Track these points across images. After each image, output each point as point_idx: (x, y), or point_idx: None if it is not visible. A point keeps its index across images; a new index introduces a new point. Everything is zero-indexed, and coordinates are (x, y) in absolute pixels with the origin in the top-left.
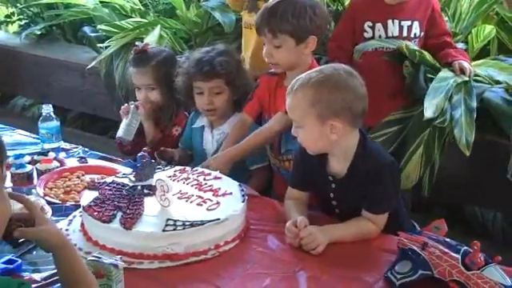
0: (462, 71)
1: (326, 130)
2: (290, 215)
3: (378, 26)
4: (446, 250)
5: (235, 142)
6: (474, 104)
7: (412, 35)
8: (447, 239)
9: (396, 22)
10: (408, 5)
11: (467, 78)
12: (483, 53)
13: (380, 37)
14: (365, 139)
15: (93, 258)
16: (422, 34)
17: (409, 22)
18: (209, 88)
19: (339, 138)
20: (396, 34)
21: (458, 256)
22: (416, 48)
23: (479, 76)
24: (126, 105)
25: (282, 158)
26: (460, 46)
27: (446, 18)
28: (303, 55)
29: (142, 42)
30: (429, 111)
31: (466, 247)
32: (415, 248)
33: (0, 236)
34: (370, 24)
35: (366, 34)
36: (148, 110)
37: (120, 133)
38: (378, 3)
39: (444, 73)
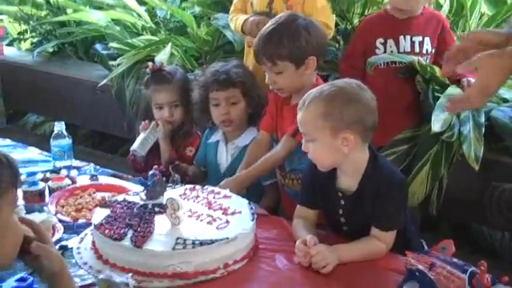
0: None
1: (337, 142)
2: (298, 234)
3: (390, 42)
4: (454, 271)
5: (253, 162)
6: (483, 119)
7: (424, 51)
8: (454, 259)
9: (408, 37)
10: (418, 21)
11: None
12: None
13: (392, 52)
14: (375, 156)
15: (104, 277)
16: (433, 50)
17: (420, 38)
18: (225, 98)
19: (350, 151)
20: (408, 49)
21: (465, 276)
22: (427, 63)
23: None
24: (147, 121)
25: (286, 176)
26: None
27: (455, 37)
28: (305, 76)
29: (153, 60)
30: (436, 125)
31: (473, 268)
32: (422, 268)
33: (15, 256)
34: (382, 40)
35: (377, 51)
36: (167, 130)
37: (135, 145)
38: (388, 20)
39: (452, 89)
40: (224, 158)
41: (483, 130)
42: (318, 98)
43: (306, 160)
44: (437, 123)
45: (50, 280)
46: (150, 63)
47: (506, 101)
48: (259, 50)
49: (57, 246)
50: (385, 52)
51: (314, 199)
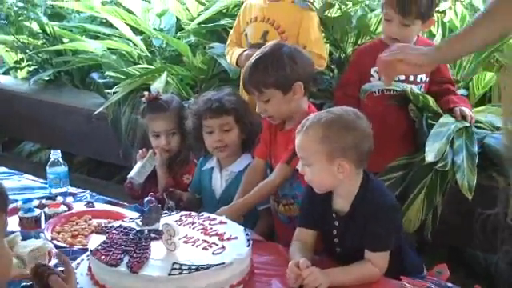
0: (463, 117)
1: (333, 168)
2: (293, 258)
3: None
4: None
5: (250, 188)
6: (476, 149)
7: (418, 80)
8: (449, 283)
9: None
10: None
11: (468, 124)
12: (484, 99)
13: None
14: (368, 179)
15: None
16: (427, 79)
17: None
18: (219, 125)
19: (345, 177)
20: (402, 77)
21: None
22: (420, 92)
23: (480, 122)
24: (144, 149)
25: (280, 201)
26: (461, 92)
27: (448, 65)
28: (294, 101)
29: (149, 88)
30: (430, 155)
31: None
32: None
33: (8, 278)
34: (377, 69)
35: (372, 79)
36: (164, 158)
37: (132, 173)
38: (382, 49)
39: (445, 118)
40: (219, 184)
41: (476, 160)
42: (316, 124)
43: (298, 186)
44: (430, 153)
45: None
46: (146, 93)
47: (498, 128)
48: (246, 80)
49: None
50: (379, 80)
51: (313, 219)
